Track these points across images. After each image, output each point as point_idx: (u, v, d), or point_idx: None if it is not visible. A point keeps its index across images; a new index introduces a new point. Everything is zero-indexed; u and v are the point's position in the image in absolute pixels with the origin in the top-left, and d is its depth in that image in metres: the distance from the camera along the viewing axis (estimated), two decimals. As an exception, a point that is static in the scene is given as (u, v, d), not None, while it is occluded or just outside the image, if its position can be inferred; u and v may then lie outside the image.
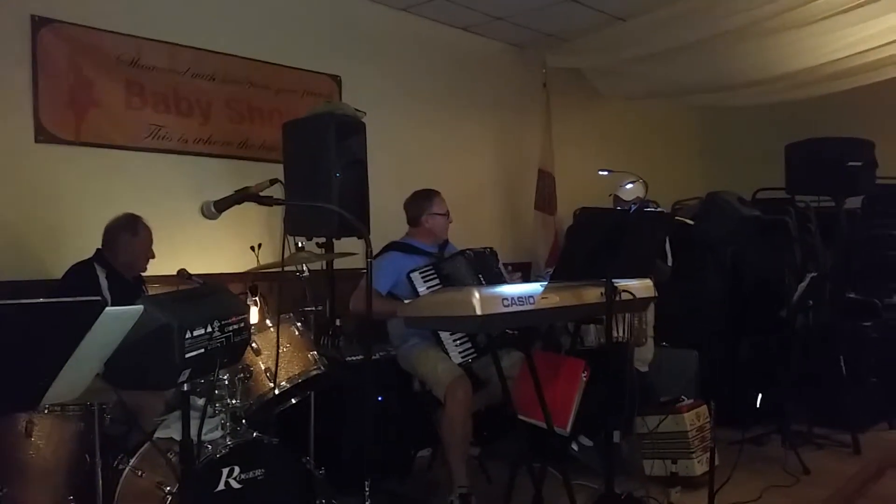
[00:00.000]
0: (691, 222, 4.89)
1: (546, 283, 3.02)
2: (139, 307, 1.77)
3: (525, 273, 5.50)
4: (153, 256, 3.56)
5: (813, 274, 4.71)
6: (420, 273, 3.57)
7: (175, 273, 3.59)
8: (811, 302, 4.66)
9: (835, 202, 4.98)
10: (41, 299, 1.59)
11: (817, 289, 4.71)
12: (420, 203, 3.96)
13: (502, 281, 3.61)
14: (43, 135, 3.73)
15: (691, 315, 5.01)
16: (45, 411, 2.65)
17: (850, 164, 4.71)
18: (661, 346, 4.75)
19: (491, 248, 3.83)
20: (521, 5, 5.16)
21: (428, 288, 3.53)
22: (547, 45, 5.90)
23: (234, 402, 2.91)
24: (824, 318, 4.87)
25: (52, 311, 1.63)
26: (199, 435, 2.33)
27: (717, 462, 3.62)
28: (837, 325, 4.89)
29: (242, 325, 2.16)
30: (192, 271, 3.60)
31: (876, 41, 4.68)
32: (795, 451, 4.24)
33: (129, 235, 3.45)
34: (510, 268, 3.97)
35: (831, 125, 5.33)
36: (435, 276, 3.56)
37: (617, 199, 4.72)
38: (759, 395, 4.57)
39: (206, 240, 4.07)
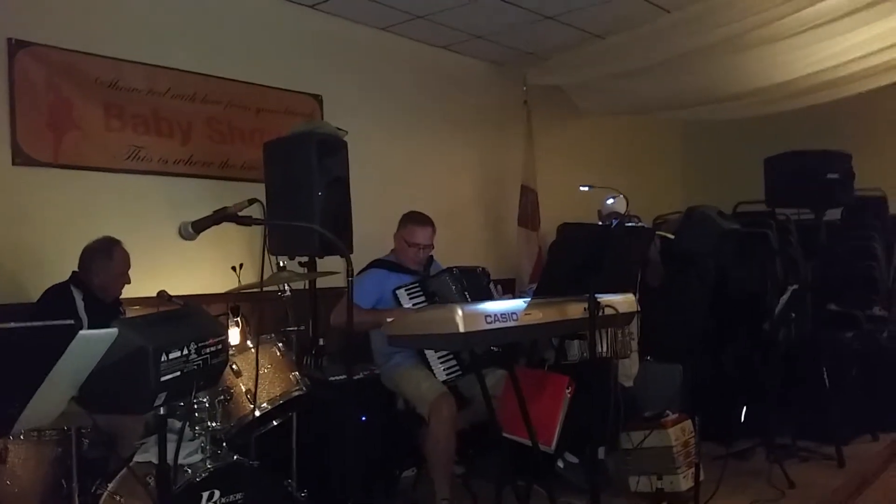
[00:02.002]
0: (672, 236, 4.92)
1: (529, 299, 3.01)
2: (113, 330, 1.74)
3: (509, 289, 5.50)
4: (128, 282, 3.51)
5: (794, 286, 4.73)
6: (406, 290, 3.57)
7: (155, 295, 3.56)
8: (793, 314, 4.67)
9: (814, 214, 5.01)
10: (13, 323, 1.57)
11: (799, 301, 4.73)
12: (400, 221, 3.96)
13: (490, 299, 3.59)
14: (21, 157, 3.69)
15: (675, 329, 5.01)
16: (21, 436, 2.60)
17: (829, 176, 4.75)
18: (646, 361, 4.76)
19: (483, 268, 3.82)
20: (501, 24, 5.19)
21: (414, 305, 3.53)
22: (527, 62, 5.94)
23: (214, 424, 2.87)
24: (806, 331, 4.88)
25: (25, 334, 1.61)
26: (176, 458, 2.30)
27: (702, 477, 3.62)
28: (819, 338, 4.91)
29: (220, 346, 2.13)
30: (172, 292, 3.56)
31: (850, 55, 4.76)
32: (780, 465, 4.23)
33: (104, 259, 3.41)
34: (500, 287, 3.95)
35: (809, 138, 5.38)
36: (421, 293, 3.55)
37: (600, 214, 4.76)
38: (744, 409, 4.57)
39: (188, 260, 4.04)
